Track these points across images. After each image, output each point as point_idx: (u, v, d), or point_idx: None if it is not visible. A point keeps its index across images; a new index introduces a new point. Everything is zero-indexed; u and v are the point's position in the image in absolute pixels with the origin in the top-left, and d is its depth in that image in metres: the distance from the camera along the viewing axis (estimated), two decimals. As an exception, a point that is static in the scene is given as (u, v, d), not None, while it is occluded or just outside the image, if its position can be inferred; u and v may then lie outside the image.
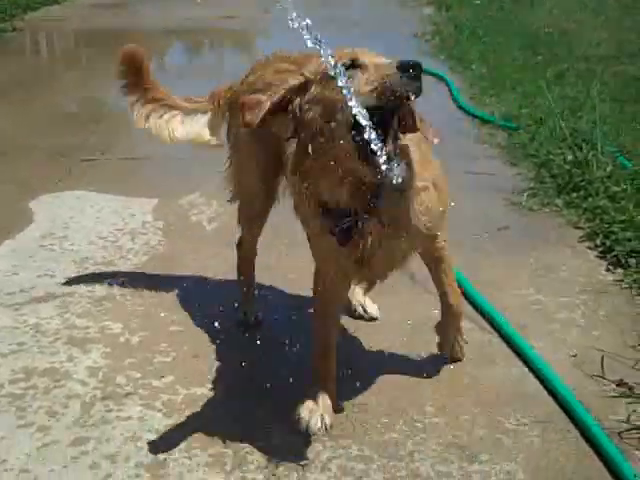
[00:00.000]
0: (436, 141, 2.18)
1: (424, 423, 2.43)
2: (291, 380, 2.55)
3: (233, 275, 3.12)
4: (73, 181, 4.66)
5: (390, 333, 2.96)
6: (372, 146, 1.94)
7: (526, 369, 2.70)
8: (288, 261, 3.43)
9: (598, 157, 4.38)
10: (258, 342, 2.84)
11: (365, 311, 3.06)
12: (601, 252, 3.59)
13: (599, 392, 2.57)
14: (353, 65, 2.02)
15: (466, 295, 3.07)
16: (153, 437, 2.37)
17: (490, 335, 2.93)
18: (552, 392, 2.56)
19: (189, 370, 2.73)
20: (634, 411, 2.44)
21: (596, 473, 2.21)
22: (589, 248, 3.66)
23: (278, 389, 2.59)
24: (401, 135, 2.08)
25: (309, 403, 2.43)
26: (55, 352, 2.84)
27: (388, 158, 1.96)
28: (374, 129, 1.93)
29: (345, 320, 3.05)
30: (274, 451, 2.30)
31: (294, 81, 2.12)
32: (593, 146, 4.51)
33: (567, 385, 2.55)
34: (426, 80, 2.01)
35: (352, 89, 1.95)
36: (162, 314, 3.12)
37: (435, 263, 2.56)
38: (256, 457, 2.28)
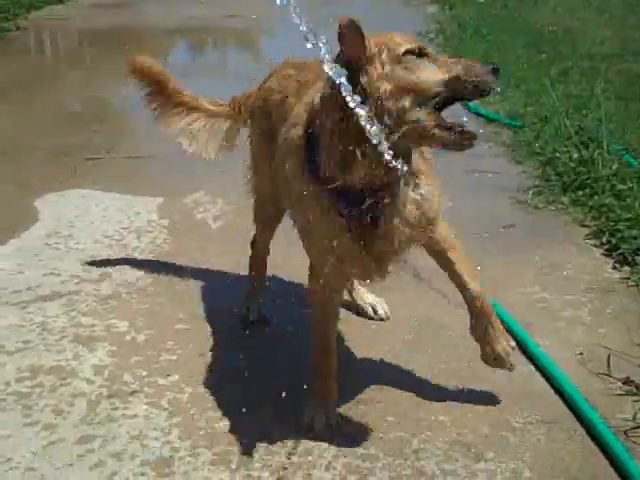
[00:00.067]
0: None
1: (429, 421, 2.43)
2: (296, 378, 2.55)
3: (239, 273, 3.13)
4: (78, 180, 4.66)
5: (396, 331, 2.96)
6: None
7: (532, 367, 2.70)
8: (294, 259, 3.41)
9: (604, 155, 4.37)
10: (263, 339, 2.84)
11: (375, 312, 3.06)
12: (607, 250, 3.58)
13: (605, 390, 2.56)
14: (420, 54, 2.04)
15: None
16: (159, 435, 2.38)
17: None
18: (558, 390, 2.55)
19: (195, 368, 2.73)
20: (640, 409, 2.44)
21: (602, 471, 2.21)
22: (595, 246, 3.65)
23: (283, 387, 2.58)
24: None
25: (313, 401, 2.44)
26: (61, 350, 2.84)
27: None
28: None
29: (351, 318, 3.06)
30: (279, 449, 2.31)
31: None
32: (599, 144, 4.50)
33: (573, 383, 2.54)
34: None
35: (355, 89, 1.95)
36: (168, 312, 3.12)
37: (437, 257, 2.50)
38: (261, 455, 2.28)
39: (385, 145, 1.96)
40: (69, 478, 2.21)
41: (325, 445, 2.32)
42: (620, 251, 3.50)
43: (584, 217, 3.94)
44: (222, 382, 2.66)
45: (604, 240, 3.64)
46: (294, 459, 2.27)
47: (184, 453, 2.30)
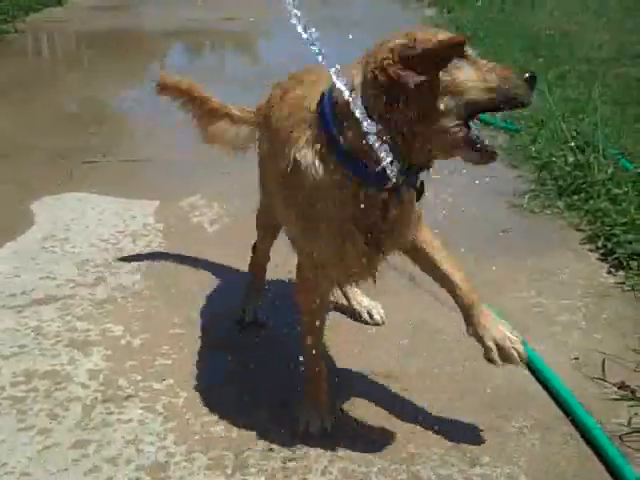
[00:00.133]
0: None
1: (425, 426, 2.43)
2: (292, 381, 2.55)
3: (234, 277, 3.12)
4: (74, 183, 4.66)
5: (391, 335, 2.96)
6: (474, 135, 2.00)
7: (527, 372, 2.70)
8: (295, 261, 3.42)
9: (600, 159, 4.38)
10: (259, 343, 2.83)
11: (371, 316, 3.06)
12: (602, 255, 3.59)
13: (600, 395, 2.56)
14: (459, 54, 1.97)
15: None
16: (154, 440, 2.37)
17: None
18: (553, 395, 2.56)
19: (190, 373, 2.72)
20: (636, 414, 2.44)
21: (597, 476, 2.21)
22: (590, 251, 3.66)
23: (279, 390, 2.59)
24: None
25: (306, 405, 2.43)
26: (56, 355, 2.84)
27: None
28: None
29: (347, 322, 3.06)
30: (275, 454, 2.31)
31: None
32: (595, 148, 4.51)
33: (568, 388, 2.55)
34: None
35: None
36: (163, 316, 3.12)
37: (412, 253, 2.43)
38: (257, 460, 2.28)
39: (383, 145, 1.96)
40: (64, 483, 2.20)
41: (321, 450, 2.32)
42: (615, 256, 3.50)
43: (580, 221, 3.95)
44: (218, 386, 2.66)
45: (600, 244, 3.65)
46: (290, 464, 2.26)
47: (179, 458, 2.30)
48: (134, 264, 3.59)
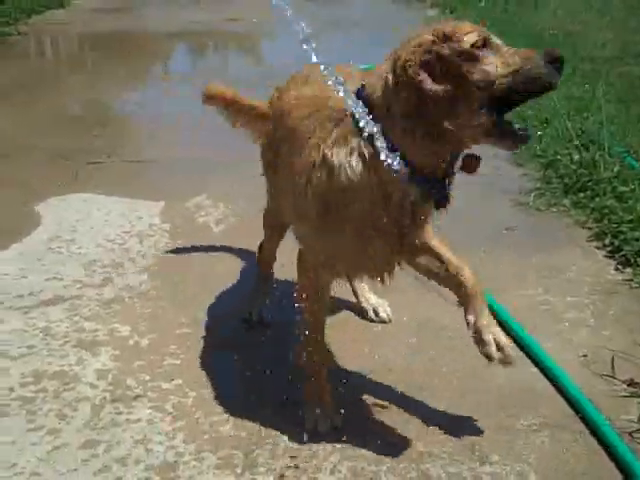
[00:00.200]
0: None
1: (434, 424, 2.42)
2: (301, 380, 2.53)
3: (241, 276, 3.12)
4: (80, 184, 4.66)
5: (398, 333, 2.96)
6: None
7: (535, 369, 2.70)
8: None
9: (605, 157, 4.38)
10: (265, 342, 2.83)
11: (376, 314, 3.06)
12: (609, 252, 3.59)
13: (609, 392, 2.56)
14: (484, 44, 1.98)
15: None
16: (163, 439, 2.37)
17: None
18: (562, 392, 2.55)
19: (198, 372, 2.73)
20: (645, 411, 2.44)
21: (607, 473, 2.21)
22: (597, 248, 3.66)
23: (286, 389, 2.58)
24: None
25: (315, 403, 2.43)
26: (64, 355, 2.84)
27: None
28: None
29: (354, 319, 3.06)
30: (284, 453, 2.30)
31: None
32: (600, 146, 4.51)
33: (577, 385, 2.54)
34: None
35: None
36: (170, 316, 3.12)
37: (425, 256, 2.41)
38: (266, 459, 2.28)
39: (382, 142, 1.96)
40: (73, 483, 2.21)
41: (330, 448, 2.32)
42: (622, 253, 3.50)
43: (586, 219, 3.94)
44: (226, 386, 2.66)
45: (606, 242, 3.65)
46: (299, 463, 2.26)
47: (189, 457, 2.30)
48: (141, 264, 3.59)
